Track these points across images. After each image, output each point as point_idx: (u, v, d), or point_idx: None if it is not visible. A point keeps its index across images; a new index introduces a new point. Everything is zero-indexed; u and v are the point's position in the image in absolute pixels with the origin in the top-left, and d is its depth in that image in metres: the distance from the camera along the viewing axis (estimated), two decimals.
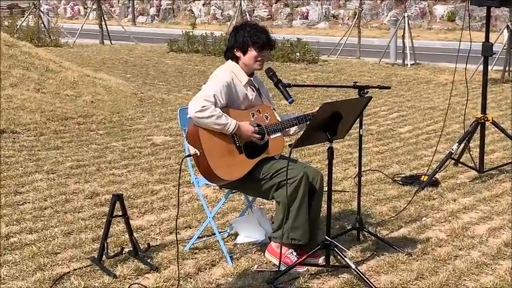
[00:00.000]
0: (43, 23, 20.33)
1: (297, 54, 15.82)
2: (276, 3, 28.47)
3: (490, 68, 10.41)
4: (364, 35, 18.35)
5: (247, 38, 4.69)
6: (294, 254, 4.64)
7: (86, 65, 14.75)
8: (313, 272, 4.55)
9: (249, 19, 20.55)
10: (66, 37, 20.71)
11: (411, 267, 4.64)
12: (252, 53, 4.70)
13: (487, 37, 6.59)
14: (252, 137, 4.58)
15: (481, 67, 6.85)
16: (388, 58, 15.76)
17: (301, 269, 4.55)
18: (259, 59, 4.72)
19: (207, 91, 4.52)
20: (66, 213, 5.70)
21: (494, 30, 17.95)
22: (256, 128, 4.62)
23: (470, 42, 6.20)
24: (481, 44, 6.58)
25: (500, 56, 13.16)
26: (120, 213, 4.70)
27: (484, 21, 6.67)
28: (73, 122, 9.06)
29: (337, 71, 14.52)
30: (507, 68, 13.20)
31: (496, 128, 7.06)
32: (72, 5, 34.39)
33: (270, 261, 4.70)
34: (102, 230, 4.73)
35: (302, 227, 4.58)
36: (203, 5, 30.52)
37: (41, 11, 21.15)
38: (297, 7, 27.80)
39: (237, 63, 4.75)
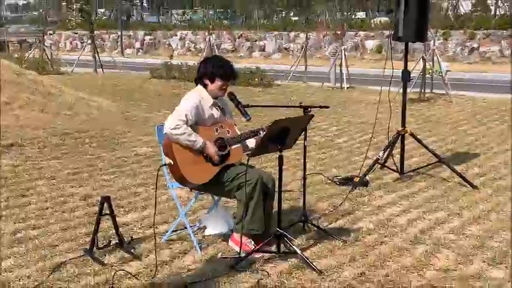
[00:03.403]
0: (47, 55, 19.98)
1: (256, 79, 15.83)
2: (238, 38, 28.54)
3: (408, 90, 10.54)
4: (310, 63, 18.44)
5: (215, 69, 4.66)
6: (252, 243, 4.63)
7: (82, 90, 14.51)
8: (267, 258, 4.54)
9: (216, 51, 20.47)
10: (66, 66, 20.40)
11: (346, 252, 4.67)
12: (218, 83, 4.69)
13: (405, 66, 6.69)
14: (213, 157, 4.55)
15: (401, 90, 6.93)
16: (329, 82, 15.87)
17: (257, 255, 4.54)
18: (223, 87, 4.73)
19: (180, 112, 4.51)
20: (63, 212, 5.60)
21: (413, 59, 18.17)
22: (220, 152, 4.59)
23: (392, 69, 6.29)
24: (401, 71, 6.68)
25: (417, 81, 13.38)
26: (108, 212, 4.64)
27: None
28: (70, 136, 8.91)
29: (288, 93, 14.56)
30: (422, 90, 13.42)
31: (413, 139, 7.15)
32: (71, 39, 33.98)
33: (232, 249, 4.68)
34: (93, 226, 4.66)
35: (259, 220, 4.58)
36: (179, 39, 30.48)
37: (45, 45, 20.82)
38: (255, 41, 27.93)
39: (205, 88, 4.74)
